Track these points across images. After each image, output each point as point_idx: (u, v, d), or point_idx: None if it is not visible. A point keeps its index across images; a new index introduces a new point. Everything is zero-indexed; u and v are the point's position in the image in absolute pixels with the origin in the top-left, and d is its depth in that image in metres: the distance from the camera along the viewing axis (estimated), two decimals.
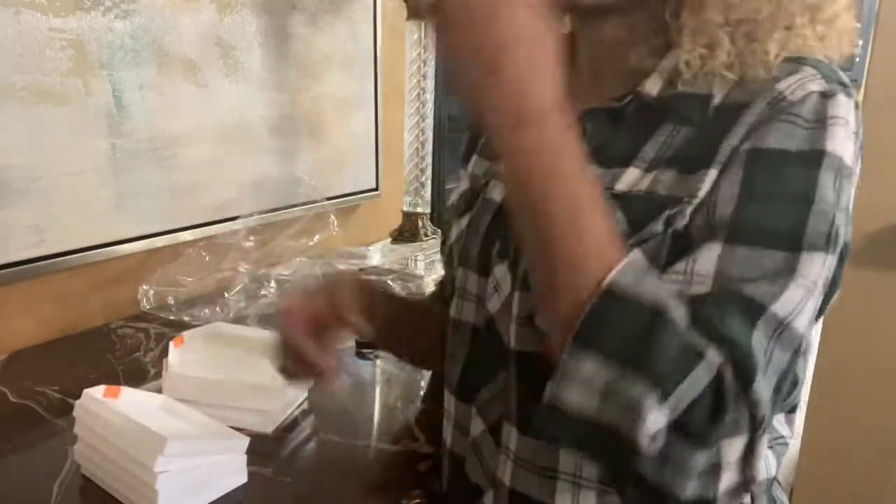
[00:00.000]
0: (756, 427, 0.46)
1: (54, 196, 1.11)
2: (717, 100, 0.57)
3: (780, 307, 0.48)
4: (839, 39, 0.60)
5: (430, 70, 1.65)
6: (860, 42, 0.65)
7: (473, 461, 0.68)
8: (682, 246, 0.53)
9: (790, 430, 0.65)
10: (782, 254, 0.50)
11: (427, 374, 1.03)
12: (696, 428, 0.46)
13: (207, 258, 1.33)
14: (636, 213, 0.55)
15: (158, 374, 0.98)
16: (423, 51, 1.61)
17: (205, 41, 1.31)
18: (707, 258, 0.51)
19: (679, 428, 0.46)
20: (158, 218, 1.28)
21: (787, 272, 0.49)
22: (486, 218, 0.68)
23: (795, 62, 0.56)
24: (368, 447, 0.84)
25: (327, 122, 1.64)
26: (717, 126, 0.55)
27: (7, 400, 0.92)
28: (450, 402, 0.72)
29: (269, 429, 0.85)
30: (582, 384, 0.47)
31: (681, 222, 0.54)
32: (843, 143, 0.53)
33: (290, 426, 0.87)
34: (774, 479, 0.66)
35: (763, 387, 0.47)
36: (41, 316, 1.14)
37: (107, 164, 1.17)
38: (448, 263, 0.78)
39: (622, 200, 0.56)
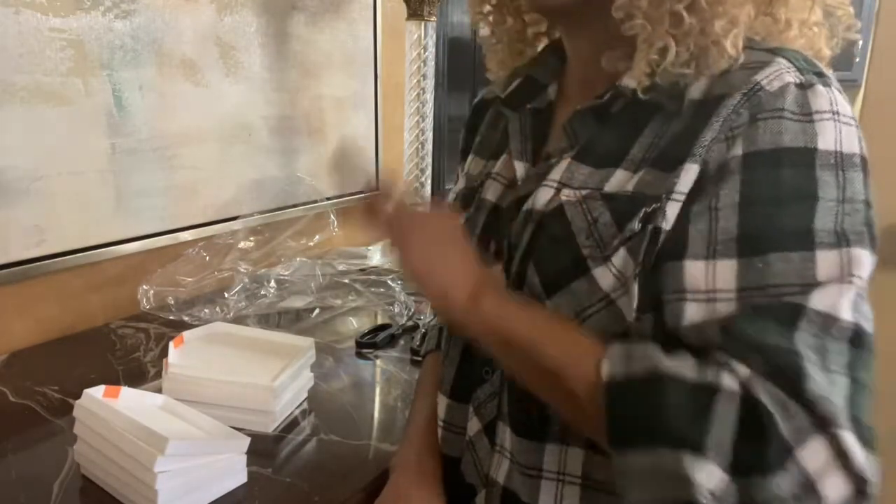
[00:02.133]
0: (827, 424, 0.43)
1: (54, 196, 1.11)
2: (697, 93, 0.57)
3: (817, 303, 0.47)
4: (811, 33, 0.60)
5: (430, 70, 1.65)
6: (852, 39, 0.65)
7: (469, 460, 0.69)
8: (669, 244, 0.53)
9: None
10: (798, 254, 0.48)
11: None
12: (751, 460, 0.44)
13: (207, 258, 1.33)
14: (622, 212, 0.56)
15: (158, 374, 0.98)
16: (422, 51, 1.61)
17: (205, 41, 1.31)
18: (726, 275, 0.50)
19: (737, 467, 0.44)
20: (158, 218, 1.28)
21: (810, 272, 0.48)
22: (481, 218, 0.69)
23: (769, 52, 0.56)
24: (368, 447, 0.84)
25: (327, 122, 1.64)
26: (697, 120, 0.55)
27: (7, 400, 0.92)
28: (441, 402, 0.73)
29: (269, 429, 0.85)
30: (633, 478, 0.48)
31: (660, 220, 0.54)
32: (835, 137, 0.52)
33: (290, 426, 0.87)
34: None
35: (820, 383, 0.44)
36: (41, 316, 1.14)
37: (107, 164, 1.17)
38: None
39: (610, 201, 0.57)
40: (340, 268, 1.51)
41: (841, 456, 0.43)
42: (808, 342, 0.46)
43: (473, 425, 0.68)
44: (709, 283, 0.51)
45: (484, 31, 0.75)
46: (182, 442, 0.69)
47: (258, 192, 1.48)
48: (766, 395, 0.44)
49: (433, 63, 1.65)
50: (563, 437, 0.60)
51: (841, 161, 0.52)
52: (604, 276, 0.55)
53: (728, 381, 0.45)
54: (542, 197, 0.61)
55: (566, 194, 0.59)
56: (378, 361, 1.09)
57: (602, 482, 0.59)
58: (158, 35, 1.22)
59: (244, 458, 0.74)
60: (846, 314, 0.47)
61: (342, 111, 1.68)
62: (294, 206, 1.55)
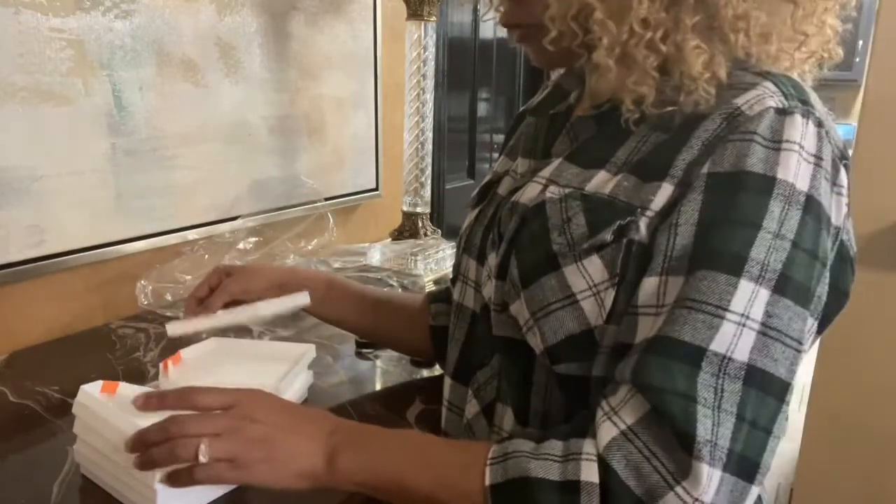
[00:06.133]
0: (705, 457, 0.48)
1: (54, 196, 1.11)
2: (687, 107, 0.58)
3: (717, 345, 0.50)
4: (795, 53, 0.60)
5: (430, 70, 1.65)
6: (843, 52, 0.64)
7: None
8: (643, 258, 0.56)
9: None
10: (724, 276, 0.51)
11: (426, 372, 1.04)
12: None
13: (207, 257, 1.33)
14: (597, 217, 0.58)
15: (158, 374, 0.98)
16: (422, 51, 1.61)
17: (205, 41, 1.31)
18: (674, 290, 0.53)
19: None
20: (158, 218, 1.28)
21: (727, 297, 0.51)
22: (491, 210, 0.73)
23: (759, 75, 0.57)
24: None
25: (327, 122, 1.64)
26: (678, 137, 0.57)
27: (7, 400, 0.92)
28: (446, 383, 0.76)
29: None
30: None
31: (633, 233, 0.56)
32: (794, 170, 0.53)
33: None
34: None
35: (706, 423, 0.48)
36: (41, 316, 1.14)
37: (107, 164, 1.17)
38: (458, 250, 0.82)
39: (588, 202, 0.59)
40: (336, 265, 1.51)
41: (696, 501, 0.48)
42: (706, 382, 0.50)
43: (472, 408, 0.70)
44: (660, 298, 0.54)
45: None
46: None
47: (258, 192, 1.48)
48: (623, 461, 0.49)
49: (433, 63, 1.65)
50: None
51: (790, 195, 0.53)
52: (574, 277, 0.58)
53: (588, 474, 0.50)
54: (530, 192, 0.64)
55: (551, 191, 0.62)
56: (378, 361, 1.09)
57: None
58: (158, 35, 1.22)
59: None
60: (741, 355, 0.50)
61: (342, 111, 1.68)
62: (294, 206, 1.55)
